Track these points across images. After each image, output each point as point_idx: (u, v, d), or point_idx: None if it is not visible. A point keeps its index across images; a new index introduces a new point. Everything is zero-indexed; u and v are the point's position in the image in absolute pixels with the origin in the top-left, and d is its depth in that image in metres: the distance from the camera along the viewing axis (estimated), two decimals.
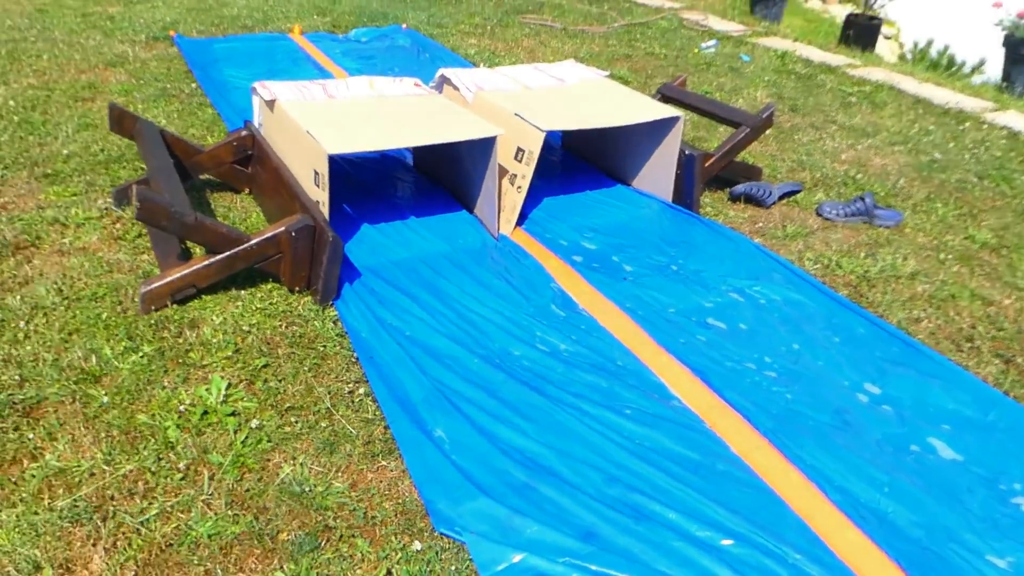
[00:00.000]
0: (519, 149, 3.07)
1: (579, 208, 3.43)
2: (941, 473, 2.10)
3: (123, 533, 1.72)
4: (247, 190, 3.28)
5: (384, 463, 1.97)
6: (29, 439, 1.94)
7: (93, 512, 1.76)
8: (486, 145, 2.99)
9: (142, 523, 1.75)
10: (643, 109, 3.33)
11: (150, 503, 1.80)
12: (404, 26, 6.24)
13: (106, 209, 3.03)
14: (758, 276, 2.96)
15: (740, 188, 3.61)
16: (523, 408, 2.19)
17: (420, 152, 3.64)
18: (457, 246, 3.03)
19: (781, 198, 3.65)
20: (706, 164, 3.47)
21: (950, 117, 5.09)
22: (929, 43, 9.05)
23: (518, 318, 2.61)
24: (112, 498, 1.80)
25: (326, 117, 2.95)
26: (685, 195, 3.45)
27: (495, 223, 3.10)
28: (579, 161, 3.91)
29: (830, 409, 2.30)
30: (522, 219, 3.26)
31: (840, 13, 8.86)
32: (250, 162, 3.22)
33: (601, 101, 3.43)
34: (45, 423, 1.99)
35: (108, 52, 5.06)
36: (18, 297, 2.48)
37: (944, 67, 8.37)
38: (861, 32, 6.63)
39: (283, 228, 2.51)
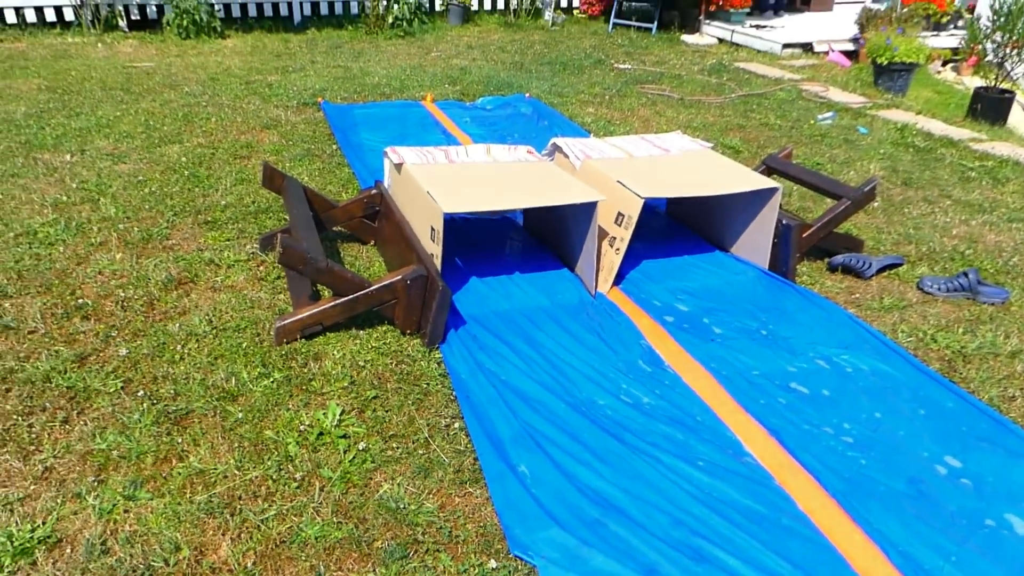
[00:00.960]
0: (619, 214, 3.30)
1: (676, 271, 3.60)
2: (1015, 550, 2.11)
3: (246, 527, 2.02)
4: (372, 242, 3.66)
5: (471, 490, 2.20)
6: (178, 443, 2.30)
7: (224, 508, 2.08)
8: (588, 209, 3.24)
9: (262, 520, 2.04)
10: (740, 180, 3.49)
11: (270, 505, 2.10)
12: (527, 95, 6.65)
13: (253, 253, 3.47)
14: (848, 345, 3.03)
15: (839, 259, 3.68)
16: (601, 452, 2.37)
17: (529, 213, 3.93)
18: (556, 301, 3.27)
19: (881, 271, 3.69)
20: (804, 235, 3.57)
21: None
22: None
23: (606, 370, 2.81)
24: (240, 497, 2.12)
25: (445, 179, 3.29)
26: (781, 263, 3.56)
27: (593, 281, 3.33)
28: (681, 226, 4.09)
29: (905, 477, 2.35)
30: (620, 279, 3.47)
31: (974, 85, 8.65)
32: (377, 217, 3.61)
33: (702, 171, 3.62)
34: (191, 431, 2.35)
35: (264, 116, 5.71)
36: (177, 325, 2.90)
37: None
38: (991, 105, 6.49)
39: (399, 276, 2.83)
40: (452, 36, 9.45)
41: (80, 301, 3.03)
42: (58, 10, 8.77)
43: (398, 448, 2.34)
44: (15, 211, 3.83)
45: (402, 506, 2.12)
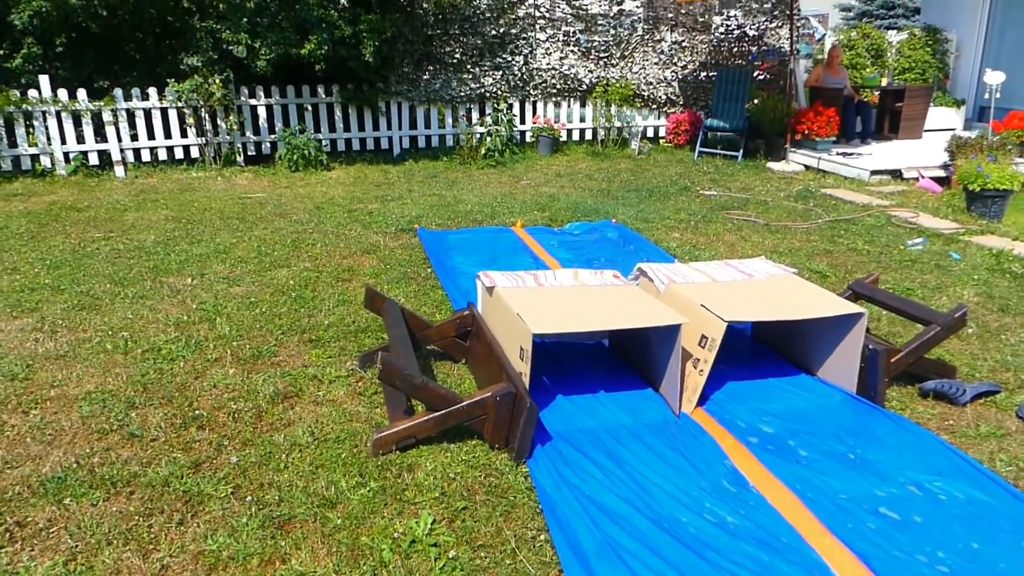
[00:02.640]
0: (703, 336, 3.39)
1: (760, 393, 3.63)
2: None
3: None
4: (464, 361, 3.85)
5: None
6: (281, 546, 2.45)
7: None
8: (672, 331, 3.36)
9: None
10: (824, 304, 3.56)
11: None
12: (613, 220, 6.92)
13: (352, 370, 3.71)
14: (940, 472, 2.97)
15: (930, 385, 3.63)
16: (683, 568, 2.39)
17: (616, 336, 4.07)
18: (639, 420, 3.34)
19: (976, 398, 3.61)
20: (892, 359, 3.57)
21: None
22: None
23: (689, 488, 2.84)
24: None
25: (534, 302, 3.49)
26: (869, 388, 3.55)
27: (677, 401, 3.40)
28: (766, 349, 4.13)
29: None
30: (704, 399, 3.52)
31: None
32: (468, 337, 3.81)
33: (785, 295, 3.70)
34: (293, 535, 2.51)
35: (365, 241, 6.14)
36: (282, 436, 3.12)
37: None
38: None
39: (490, 393, 2.99)
40: (541, 165, 9.95)
41: (197, 412, 3.30)
42: (186, 149, 9.74)
43: (486, 558, 2.42)
44: (143, 329, 4.22)
45: None
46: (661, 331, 3.46)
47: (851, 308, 3.51)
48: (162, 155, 9.61)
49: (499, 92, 10.78)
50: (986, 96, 10.20)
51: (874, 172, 9.04)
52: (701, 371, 3.39)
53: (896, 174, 9.16)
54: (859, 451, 3.13)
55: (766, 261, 4.24)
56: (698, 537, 2.56)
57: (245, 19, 8.88)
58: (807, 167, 9.91)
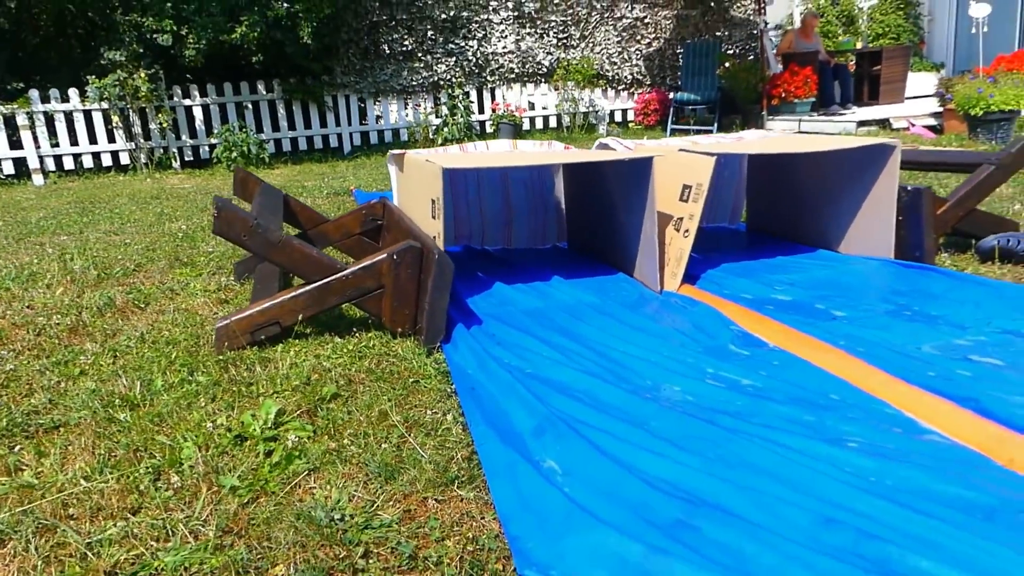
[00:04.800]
0: (684, 187, 2.49)
1: (770, 267, 2.71)
2: None
3: (61, 555, 1.16)
4: None
5: (459, 492, 1.30)
6: (16, 455, 1.49)
7: (35, 529, 1.23)
8: (642, 178, 2.45)
9: (89, 546, 1.18)
10: (840, 142, 2.67)
11: (115, 523, 1.24)
12: None
13: (226, 286, 2.77)
14: None
15: (990, 240, 2.73)
16: (681, 439, 1.45)
17: (574, 228, 3.15)
18: (608, 298, 2.41)
19: None
20: (938, 211, 2.68)
21: None
22: None
23: (682, 356, 1.90)
24: (68, 516, 1.27)
25: (455, 157, 2.58)
26: (913, 247, 2.64)
27: (656, 275, 2.47)
28: (770, 239, 3.22)
29: None
30: (694, 279, 2.60)
31: None
32: (380, 234, 2.89)
33: (788, 143, 2.82)
34: (45, 443, 1.54)
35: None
36: (98, 344, 2.17)
37: None
38: None
39: (384, 255, 2.06)
40: None
41: None
42: (114, 155, 8.87)
43: (351, 447, 1.47)
44: None
45: (337, 518, 1.23)
46: (628, 186, 2.56)
47: (879, 140, 2.63)
48: (87, 162, 8.71)
49: (454, 79, 10.02)
50: (972, 31, 9.51)
51: (861, 123, 8.26)
52: (686, 232, 2.48)
53: (884, 123, 8.39)
54: (916, 308, 2.21)
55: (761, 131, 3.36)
56: (701, 404, 1.61)
57: (169, 3, 8.10)
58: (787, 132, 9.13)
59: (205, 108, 9.28)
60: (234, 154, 8.70)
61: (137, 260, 3.23)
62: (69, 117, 8.64)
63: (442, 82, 10.12)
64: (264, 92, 9.44)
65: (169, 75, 8.86)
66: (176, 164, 9.02)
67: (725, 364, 1.82)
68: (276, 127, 9.56)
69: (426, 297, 2.02)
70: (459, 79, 10.15)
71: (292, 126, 9.60)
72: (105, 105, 8.54)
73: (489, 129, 10.23)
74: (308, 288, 2.06)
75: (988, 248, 2.72)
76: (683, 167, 2.50)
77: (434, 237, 2.26)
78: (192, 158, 9.21)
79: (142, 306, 2.53)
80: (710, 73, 10.10)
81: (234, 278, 2.80)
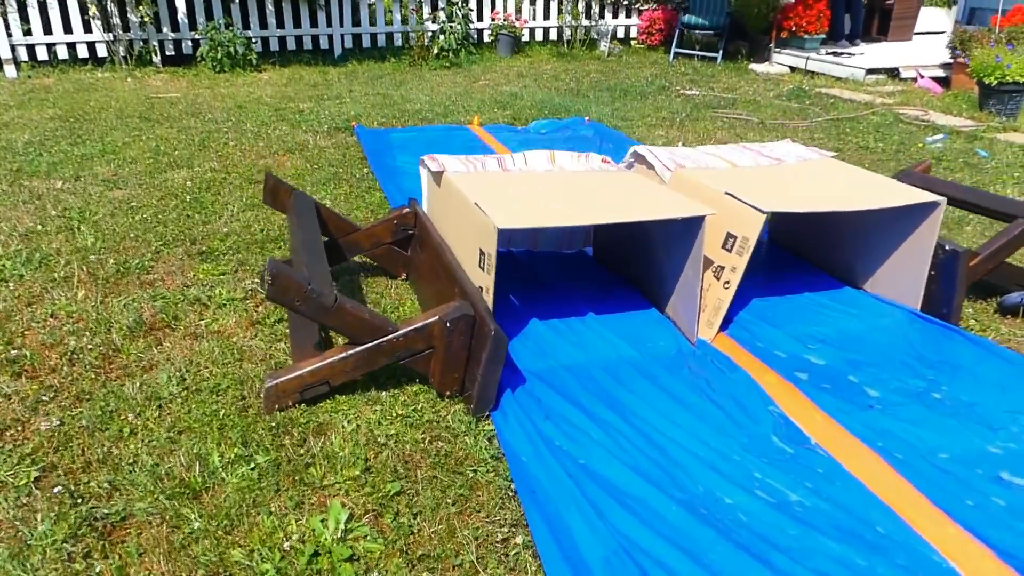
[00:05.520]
0: (729, 235, 2.48)
1: (798, 312, 2.75)
2: None
3: None
4: (404, 275, 2.89)
5: None
6: (96, 573, 1.51)
7: None
8: (690, 229, 2.42)
9: None
10: (888, 193, 2.65)
11: None
12: (587, 119, 5.91)
13: (252, 290, 2.73)
14: None
15: (1013, 297, 2.79)
16: None
17: (602, 240, 3.13)
18: (645, 351, 2.44)
19: None
20: (969, 264, 2.70)
21: None
22: None
23: (728, 450, 1.96)
24: None
25: (499, 191, 2.52)
26: (941, 303, 2.69)
27: (694, 325, 2.49)
28: (791, 256, 3.24)
29: None
30: (725, 322, 2.63)
31: None
32: (411, 244, 2.84)
33: (831, 183, 2.79)
34: (120, 551, 1.56)
35: (290, 141, 5.05)
36: (137, 383, 2.15)
37: None
38: None
39: (436, 317, 2.04)
40: (501, 66, 8.82)
41: (16, 352, 2.30)
42: (91, 46, 8.39)
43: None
44: None
45: None
46: (672, 229, 2.54)
47: (925, 196, 2.62)
48: (62, 53, 8.25)
49: None
50: None
51: (870, 71, 8.11)
52: (727, 283, 2.49)
53: (893, 73, 8.25)
54: (946, 388, 2.28)
55: (794, 143, 3.31)
56: (754, 529, 1.68)
57: None
58: (793, 68, 8.92)
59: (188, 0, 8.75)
60: (219, 54, 8.32)
61: (152, 244, 3.14)
62: (43, 4, 8.11)
63: None
64: None
65: None
66: (156, 59, 8.59)
67: (772, 470, 1.88)
68: (264, 24, 9.08)
69: (478, 368, 2.03)
70: None
71: (280, 24, 9.12)
72: None
73: (487, 39, 9.84)
74: (359, 349, 2.05)
75: (1012, 304, 2.78)
76: (730, 212, 2.48)
77: (481, 290, 2.24)
78: (173, 53, 8.76)
79: (172, 324, 2.49)
80: None
81: (260, 285, 2.75)
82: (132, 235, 3.23)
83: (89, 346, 2.33)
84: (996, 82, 6.40)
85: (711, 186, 2.62)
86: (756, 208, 2.40)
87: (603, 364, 2.34)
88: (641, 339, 2.51)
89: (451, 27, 9.08)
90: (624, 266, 2.97)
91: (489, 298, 2.22)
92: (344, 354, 2.05)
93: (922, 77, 8.11)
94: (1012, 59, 6.31)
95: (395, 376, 2.18)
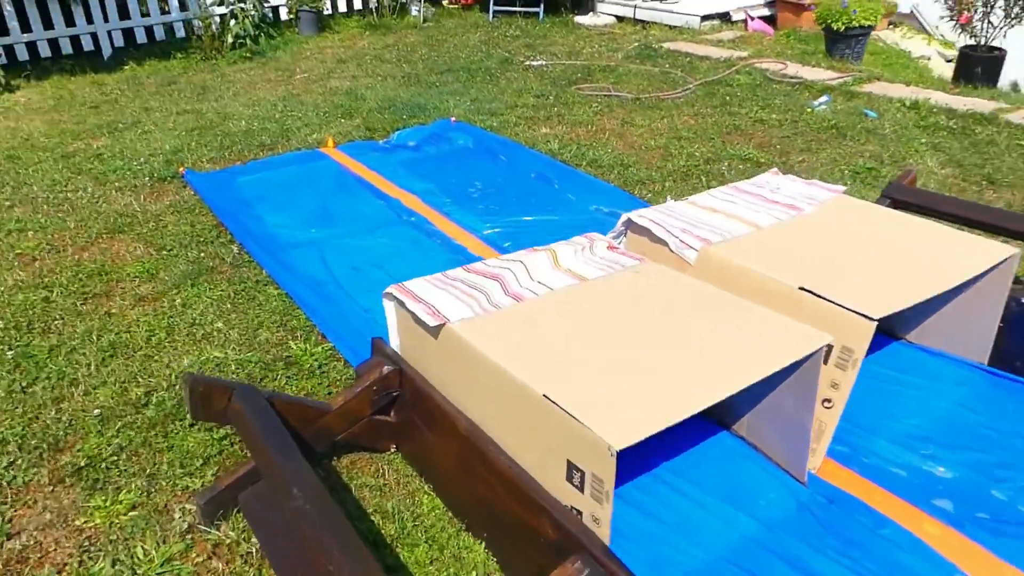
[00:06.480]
0: (828, 345, 1.96)
1: (865, 395, 2.30)
2: None
3: None
4: (392, 447, 2.13)
5: None
6: None
7: None
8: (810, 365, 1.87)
9: None
10: (966, 255, 2.26)
11: None
12: (453, 120, 5.16)
13: (189, 535, 1.85)
14: None
15: None
16: None
17: None
18: (761, 515, 1.89)
19: None
20: None
21: None
22: None
23: None
24: None
25: (545, 354, 1.80)
26: (1013, 356, 2.37)
27: (803, 465, 1.98)
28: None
29: None
30: None
31: (914, 48, 7.99)
32: (395, 406, 2.08)
33: (886, 241, 2.36)
34: None
35: (107, 209, 3.90)
36: None
37: None
38: (986, 68, 5.68)
39: None
40: (311, 49, 7.71)
41: None
42: None
43: None
44: None
45: None
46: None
47: (1002, 252, 2.25)
48: None
49: None
50: None
51: (705, 17, 7.93)
52: (828, 403, 1.99)
53: (725, 17, 8.14)
54: None
55: (779, 175, 2.85)
56: None
57: None
58: (620, 18, 8.58)
59: None
60: None
61: None
62: None
63: None
64: None
65: None
66: None
67: None
68: (4, 30, 7.30)
69: None
70: None
71: (25, 27, 7.37)
72: None
73: (285, 16, 8.63)
74: None
75: None
76: (827, 316, 1.96)
77: (593, 519, 1.56)
78: None
79: None
80: None
81: (201, 521, 1.88)
82: None
83: None
84: (844, 27, 6.39)
85: (760, 271, 2.09)
86: (864, 316, 1.90)
87: (730, 557, 1.77)
88: (742, 492, 1.96)
89: (243, 9, 7.79)
90: None
91: (604, 532, 1.55)
92: None
93: (752, 19, 8.06)
94: (858, 5, 6.29)
95: None
